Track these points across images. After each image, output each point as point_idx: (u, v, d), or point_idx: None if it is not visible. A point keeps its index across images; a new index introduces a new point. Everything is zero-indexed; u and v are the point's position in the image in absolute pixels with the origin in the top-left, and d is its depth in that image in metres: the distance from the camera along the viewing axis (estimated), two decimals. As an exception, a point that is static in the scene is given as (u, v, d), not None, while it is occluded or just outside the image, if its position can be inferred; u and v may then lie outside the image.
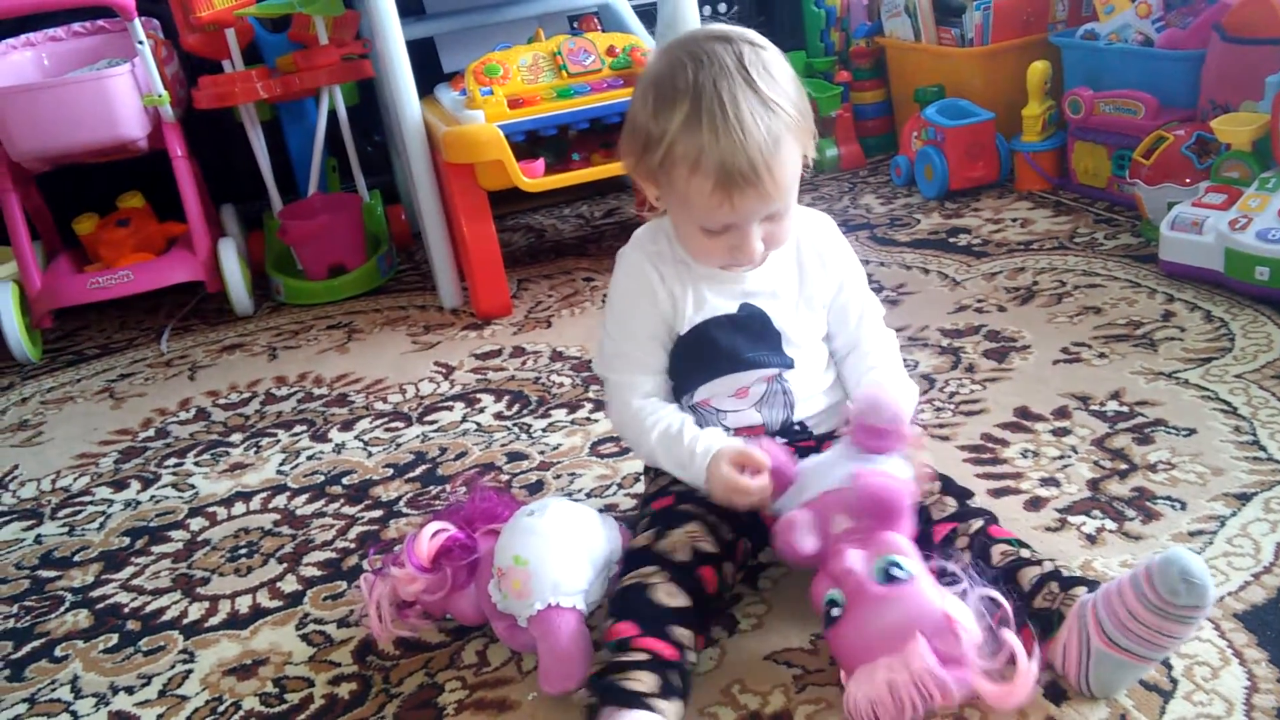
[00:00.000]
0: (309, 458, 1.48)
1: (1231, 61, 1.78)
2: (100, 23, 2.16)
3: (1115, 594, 0.84)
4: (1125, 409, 1.29)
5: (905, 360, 1.43)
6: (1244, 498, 1.09)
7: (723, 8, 2.59)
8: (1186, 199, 1.66)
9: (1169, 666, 0.89)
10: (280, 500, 1.38)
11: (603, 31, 2.19)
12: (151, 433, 1.64)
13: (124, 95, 1.88)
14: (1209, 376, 1.34)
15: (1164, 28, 1.93)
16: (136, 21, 1.87)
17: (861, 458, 0.95)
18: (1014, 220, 1.98)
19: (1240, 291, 1.54)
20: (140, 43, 1.89)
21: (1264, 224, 1.53)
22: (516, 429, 1.48)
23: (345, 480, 1.41)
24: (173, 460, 1.54)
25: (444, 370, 1.70)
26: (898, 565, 0.86)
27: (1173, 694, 0.86)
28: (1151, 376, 1.36)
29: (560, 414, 1.50)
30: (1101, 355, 1.44)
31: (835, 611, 0.88)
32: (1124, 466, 1.18)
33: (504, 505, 1.08)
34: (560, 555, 0.97)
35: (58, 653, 1.14)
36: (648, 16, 2.19)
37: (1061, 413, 1.31)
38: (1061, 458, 1.21)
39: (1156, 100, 1.88)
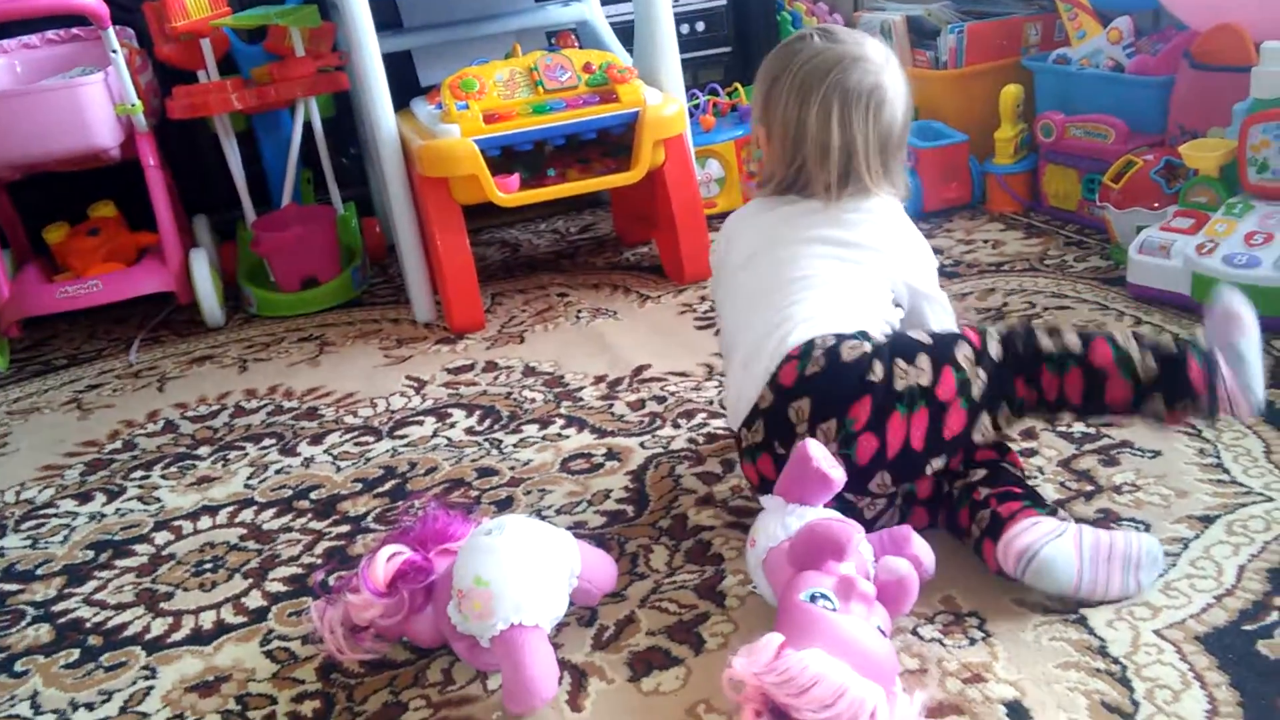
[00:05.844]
0: (277, 471, 1.47)
1: (1200, 88, 1.81)
2: (74, 31, 2.15)
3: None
4: (1092, 430, 1.30)
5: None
6: (1207, 520, 1.11)
7: (700, 26, 2.61)
8: (1155, 223, 1.68)
9: (1130, 688, 0.89)
10: (247, 514, 1.37)
11: (580, 48, 2.19)
12: (118, 445, 1.62)
13: (96, 104, 1.87)
14: (1174, 399, 1.36)
15: (1134, 54, 1.96)
16: (110, 30, 1.86)
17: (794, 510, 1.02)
18: (985, 241, 2.00)
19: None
20: (114, 51, 1.88)
21: (1230, 249, 1.55)
22: (487, 444, 1.48)
23: (313, 495, 1.40)
24: (139, 473, 1.52)
25: (415, 384, 1.70)
26: (826, 597, 0.93)
27: (1134, 716, 0.87)
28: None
29: (531, 430, 1.50)
30: (1069, 377, 1.45)
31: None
32: (1089, 488, 1.19)
33: (457, 525, 1.07)
34: (521, 574, 0.97)
35: (17, 668, 1.12)
36: (625, 34, 2.20)
37: (1028, 434, 1.32)
38: (1028, 479, 1.22)
39: (1126, 125, 1.91)
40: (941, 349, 1.08)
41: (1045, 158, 2.07)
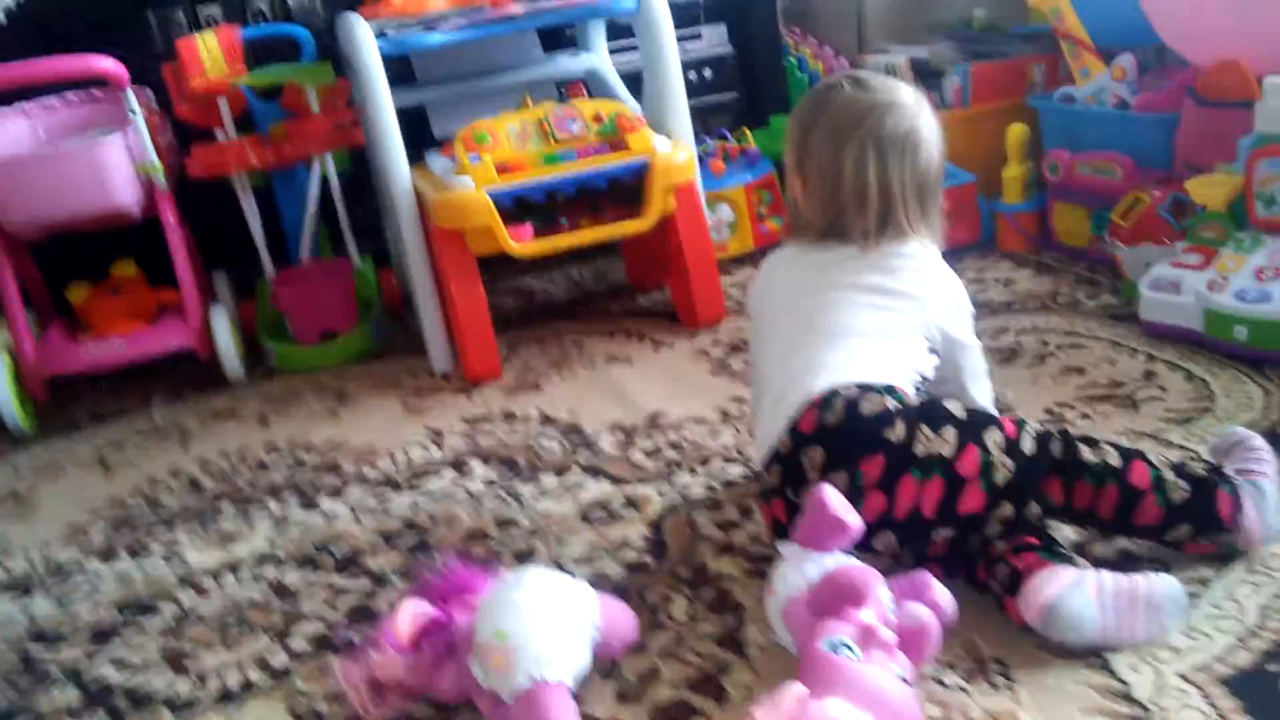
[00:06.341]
0: (298, 527, 1.49)
1: (1205, 124, 1.82)
2: (93, 92, 2.19)
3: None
4: (1109, 470, 1.30)
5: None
6: (1227, 559, 1.10)
7: (708, 73, 2.64)
8: (1165, 259, 1.69)
9: (1156, 734, 0.89)
10: (269, 571, 1.38)
11: (590, 98, 2.22)
12: (142, 502, 1.64)
13: (116, 164, 1.90)
14: (1190, 436, 1.36)
15: (1139, 91, 1.98)
16: (129, 91, 1.90)
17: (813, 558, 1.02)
18: (996, 280, 2.01)
19: (1220, 351, 1.56)
20: (133, 112, 1.92)
21: (1241, 284, 1.55)
22: (506, 495, 1.49)
23: (335, 550, 1.41)
24: (163, 530, 1.54)
25: (434, 435, 1.71)
26: (847, 646, 0.93)
27: (1160, 762, 0.86)
28: (1134, 436, 1.38)
29: (550, 479, 1.51)
30: (1085, 416, 1.46)
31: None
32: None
33: (477, 578, 1.08)
34: (542, 628, 0.98)
35: (45, 731, 1.14)
36: (634, 81, 2.23)
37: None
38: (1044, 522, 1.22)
39: (1133, 162, 1.92)
40: (972, 427, 1.08)
41: (1054, 196, 2.08)
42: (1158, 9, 1.88)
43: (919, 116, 1.21)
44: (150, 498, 1.65)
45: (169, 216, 2.03)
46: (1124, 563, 1.12)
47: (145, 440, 1.87)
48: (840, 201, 1.20)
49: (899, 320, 1.19)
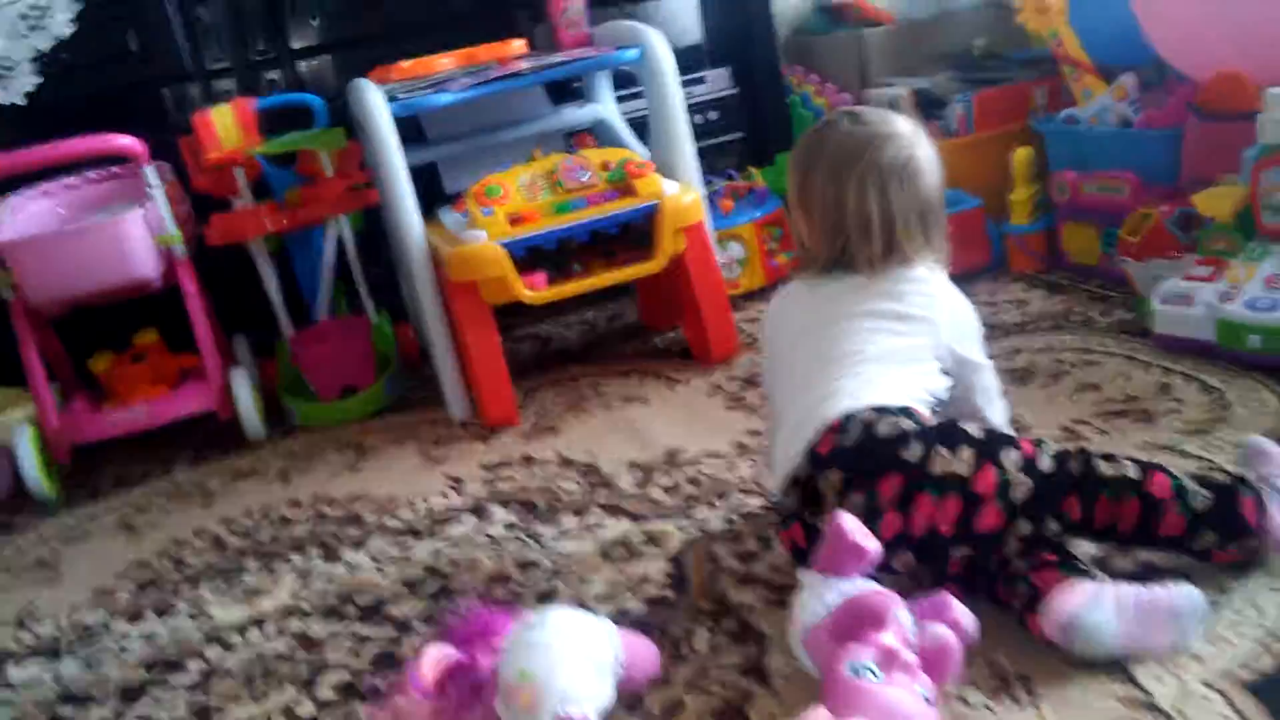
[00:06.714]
0: (322, 579, 1.50)
1: (1208, 137, 1.83)
2: (113, 169, 2.24)
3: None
4: (1128, 483, 1.29)
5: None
6: (1247, 565, 1.09)
7: (713, 115, 2.67)
8: (1175, 273, 1.69)
9: (1183, 742, 0.88)
10: (294, 623, 1.39)
11: (598, 147, 2.26)
12: (167, 563, 1.65)
13: (137, 237, 1.94)
14: (1209, 446, 1.35)
15: (1141, 108, 1.99)
16: (148, 167, 1.95)
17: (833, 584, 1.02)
18: (1009, 302, 2.01)
19: (1234, 360, 1.55)
20: (152, 186, 1.97)
21: (1252, 293, 1.55)
22: (527, 538, 1.49)
23: (358, 599, 1.42)
24: (188, 588, 1.55)
25: (454, 483, 1.72)
26: (869, 669, 0.93)
27: (1188, 771, 0.85)
28: (1152, 449, 1.37)
29: (570, 520, 1.51)
30: (1102, 431, 1.45)
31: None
32: (1129, 541, 1.18)
33: (499, 620, 1.08)
34: (566, 666, 0.98)
35: (75, 790, 1.14)
36: (641, 126, 2.26)
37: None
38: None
39: (1139, 178, 1.92)
40: (989, 447, 1.09)
41: (1063, 216, 2.08)
42: (1155, 25, 1.90)
43: (916, 145, 1.24)
44: (175, 558, 1.67)
45: (189, 285, 2.07)
46: (1144, 574, 1.10)
47: (169, 502, 1.89)
48: (845, 233, 1.22)
49: (911, 344, 1.21)
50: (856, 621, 0.98)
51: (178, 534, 1.75)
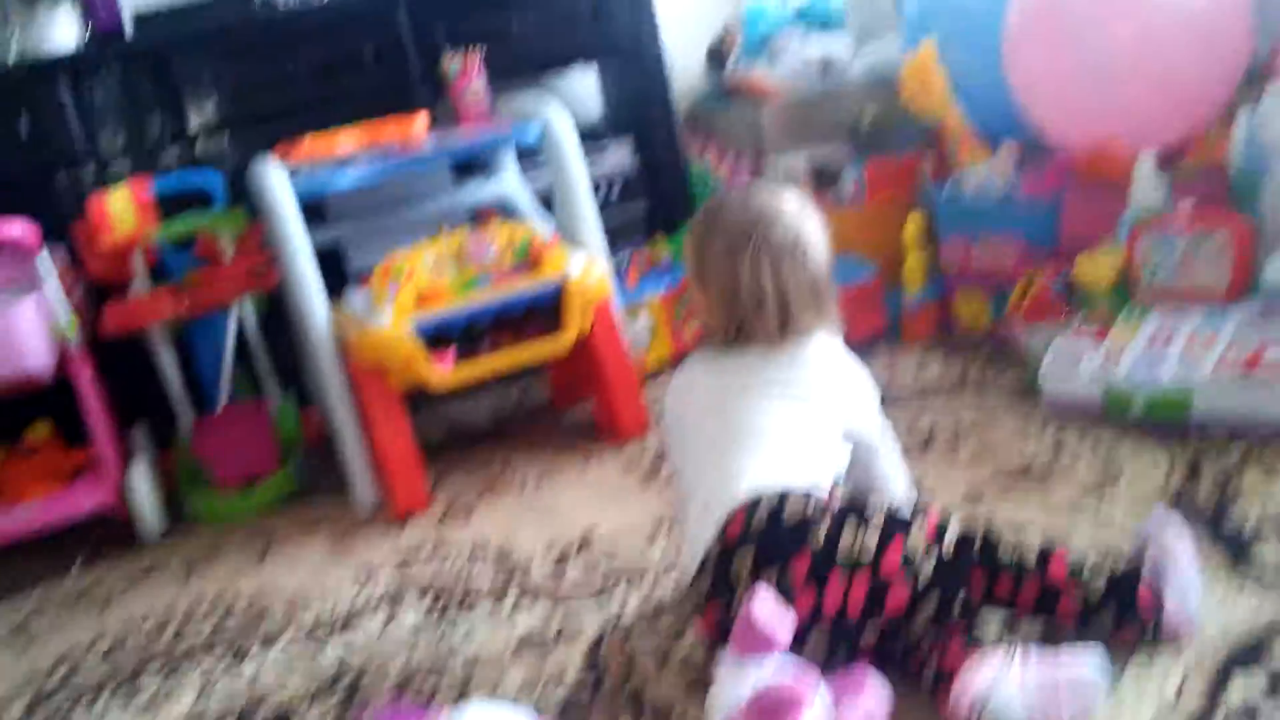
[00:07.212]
0: (226, 686, 1.45)
1: (1086, 203, 1.92)
2: (2, 256, 2.16)
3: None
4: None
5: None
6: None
7: (617, 186, 2.70)
8: (1062, 336, 1.75)
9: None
10: (199, 735, 1.34)
11: (503, 222, 2.26)
12: (62, 674, 1.58)
13: (29, 329, 1.87)
14: (1102, 508, 1.40)
15: (1023, 176, 2.07)
16: (41, 254, 1.89)
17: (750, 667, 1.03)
18: (906, 369, 2.06)
19: (1121, 424, 1.61)
20: (45, 275, 1.91)
21: (1134, 356, 1.61)
22: (440, 631, 1.47)
23: (264, 708, 1.37)
24: (85, 702, 1.48)
25: (364, 573, 1.69)
26: None
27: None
28: (1050, 511, 1.42)
29: (483, 610, 1.50)
30: (1001, 496, 1.50)
31: None
32: (1031, 609, 1.22)
33: (415, 716, 1.07)
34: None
35: None
36: (547, 197, 2.27)
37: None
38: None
39: (1024, 243, 2.00)
40: (895, 523, 1.13)
41: (954, 283, 2.15)
42: (1031, 97, 1.98)
43: (804, 221, 1.28)
44: (71, 668, 1.59)
45: (83, 376, 2.00)
46: (1053, 635, 1.14)
47: (65, 608, 1.81)
48: (740, 309, 1.26)
49: (811, 415, 1.24)
50: (772, 712, 0.99)
51: (76, 641, 1.67)
